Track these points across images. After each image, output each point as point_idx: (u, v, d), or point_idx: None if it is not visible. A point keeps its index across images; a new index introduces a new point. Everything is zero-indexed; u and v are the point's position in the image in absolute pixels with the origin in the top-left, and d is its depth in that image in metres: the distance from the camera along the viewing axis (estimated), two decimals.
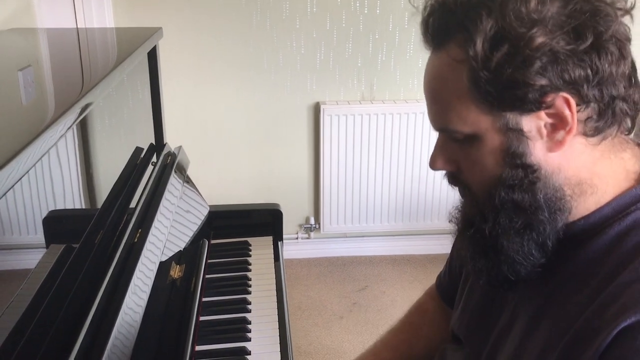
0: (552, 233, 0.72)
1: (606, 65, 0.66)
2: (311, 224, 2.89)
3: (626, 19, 0.70)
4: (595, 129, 0.69)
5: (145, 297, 1.10)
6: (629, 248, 0.69)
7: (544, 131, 0.69)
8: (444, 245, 2.74)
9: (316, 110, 2.70)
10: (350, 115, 2.66)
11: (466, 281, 0.97)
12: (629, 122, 0.72)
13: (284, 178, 2.81)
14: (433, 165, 0.80)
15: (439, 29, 0.72)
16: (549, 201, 0.71)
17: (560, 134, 0.68)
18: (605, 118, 0.69)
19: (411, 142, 2.72)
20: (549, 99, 0.66)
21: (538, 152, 0.70)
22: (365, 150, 2.73)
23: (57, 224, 1.04)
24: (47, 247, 0.99)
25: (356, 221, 2.86)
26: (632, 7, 0.71)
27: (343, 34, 2.61)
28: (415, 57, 2.68)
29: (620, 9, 0.68)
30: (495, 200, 0.73)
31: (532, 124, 0.69)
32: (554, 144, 0.69)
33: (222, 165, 2.77)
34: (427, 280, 2.77)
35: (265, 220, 1.68)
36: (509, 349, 0.80)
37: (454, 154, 0.77)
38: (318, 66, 2.65)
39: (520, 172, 0.71)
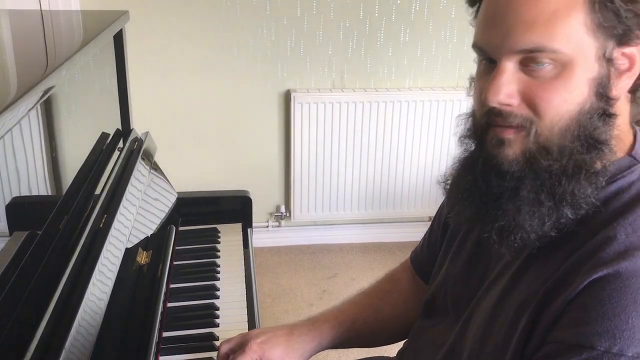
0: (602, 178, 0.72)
1: None
2: (282, 212, 2.89)
3: None
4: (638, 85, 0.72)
5: (110, 283, 1.09)
6: (609, 212, 0.71)
7: (621, 69, 0.70)
8: (413, 233, 2.77)
9: (287, 97, 2.69)
10: (321, 103, 2.65)
11: (447, 251, 0.97)
12: None
13: (254, 166, 2.80)
14: (496, 96, 0.71)
15: None
16: (612, 141, 0.71)
17: (627, 75, 0.70)
18: None
19: (381, 130, 2.73)
20: None
21: (615, 89, 0.70)
22: (335, 138, 2.73)
23: (21, 211, 1.02)
24: (10, 235, 0.97)
25: (327, 209, 2.87)
26: None
27: (314, 21, 2.60)
28: (385, 46, 2.69)
29: None
30: (575, 132, 0.70)
31: (621, 58, 0.69)
32: (624, 85, 0.70)
33: (191, 152, 2.74)
34: None
35: (234, 207, 1.67)
36: (486, 307, 0.81)
37: (522, 84, 0.71)
38: (289, 53, 2.64)
39: (603, 104, 0.70)
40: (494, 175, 0.74)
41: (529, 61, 0.69)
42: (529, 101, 0.70)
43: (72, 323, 0.91)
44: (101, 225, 1.16)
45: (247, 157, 2.79)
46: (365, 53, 2.69)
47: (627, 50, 0.69)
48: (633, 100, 0.74)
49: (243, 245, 1.56)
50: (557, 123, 0.70)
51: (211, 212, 1.67)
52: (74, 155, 1.27)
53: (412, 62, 2.73)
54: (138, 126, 1.66)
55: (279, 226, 2.94)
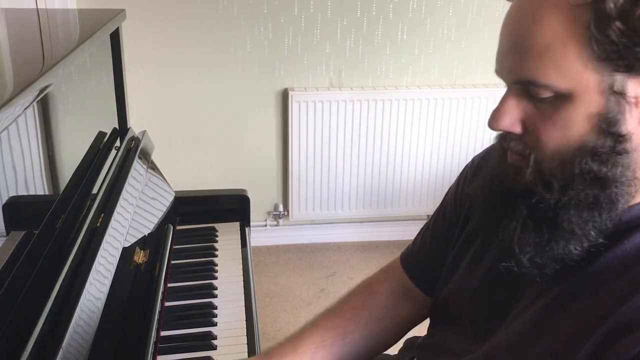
0: (614, 214, 0.67)
1: None
2: (280, 211, 2.89)
3: None
4: None
5: (107, 282, 1.09)
6: None
7: None
8: (412, 231, 2.76)
9: (284, 96, 2.69)
10: (319, 101, 2.65)
11: (461, 256, 0.91)
12: None
13: (252, 165, 2.80)
14: (497, 124, 0.69)
15: None
16: (624, 178, 0.66)
17: None
18: None
19: (379, 129, 2.73)
20: None
21: (631, 121, 0.64)
22: (333, 137, 2.73)
23: (17, 210, 1.01)
24: (7, 235, 0.96)
25: (325, 208, 2.86)
26: None
27: (311, 20, 2.60)
28: (383, 44, 2.69)
29: None
30: (574, 168, 0.66)
31: (635, 89, 0.63)
32: None
33: (189, 151, 2.74)
34: None
35: (232, 206, 1.67)
36: (517, 333, 0.76)
37: (525, 113, 0.68)
38: (286, 52, 2.64)
39: (609, 141, 0.64)
40: (518, 190, 0.72)
41: (530, 91, 0.67)
42: (531, 132, 0.68)
43: (70, 322, 0.91)
44: (98, 225, 1.16)
45: (245, 156, 2.78)
46: (362, 51, 2.69)
47: None
48: None
49: (241, 244, 1.56)
50: (558, 155, 0.67)
51: (209, 211, 1.66)
52: (71, 154, 1.26)
53: (410, 60, 2.73)
54: (135, 125, 1.65)
55: (277, 225, 2.94)
